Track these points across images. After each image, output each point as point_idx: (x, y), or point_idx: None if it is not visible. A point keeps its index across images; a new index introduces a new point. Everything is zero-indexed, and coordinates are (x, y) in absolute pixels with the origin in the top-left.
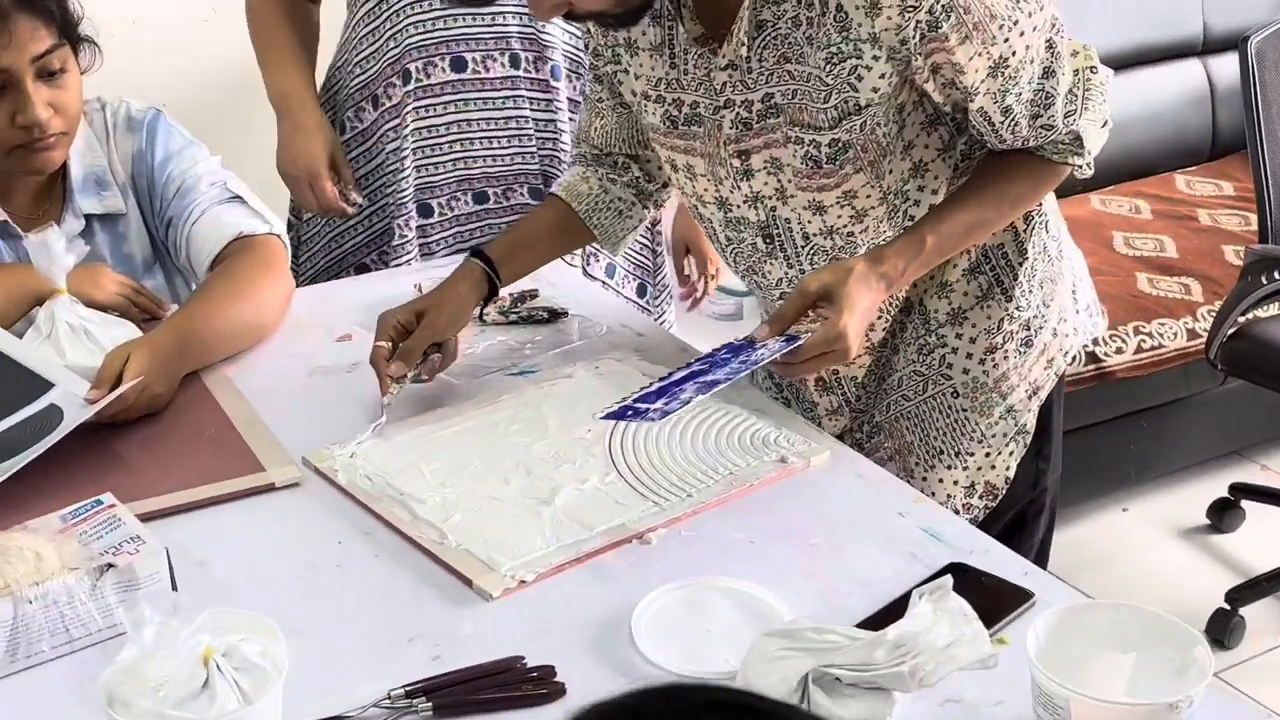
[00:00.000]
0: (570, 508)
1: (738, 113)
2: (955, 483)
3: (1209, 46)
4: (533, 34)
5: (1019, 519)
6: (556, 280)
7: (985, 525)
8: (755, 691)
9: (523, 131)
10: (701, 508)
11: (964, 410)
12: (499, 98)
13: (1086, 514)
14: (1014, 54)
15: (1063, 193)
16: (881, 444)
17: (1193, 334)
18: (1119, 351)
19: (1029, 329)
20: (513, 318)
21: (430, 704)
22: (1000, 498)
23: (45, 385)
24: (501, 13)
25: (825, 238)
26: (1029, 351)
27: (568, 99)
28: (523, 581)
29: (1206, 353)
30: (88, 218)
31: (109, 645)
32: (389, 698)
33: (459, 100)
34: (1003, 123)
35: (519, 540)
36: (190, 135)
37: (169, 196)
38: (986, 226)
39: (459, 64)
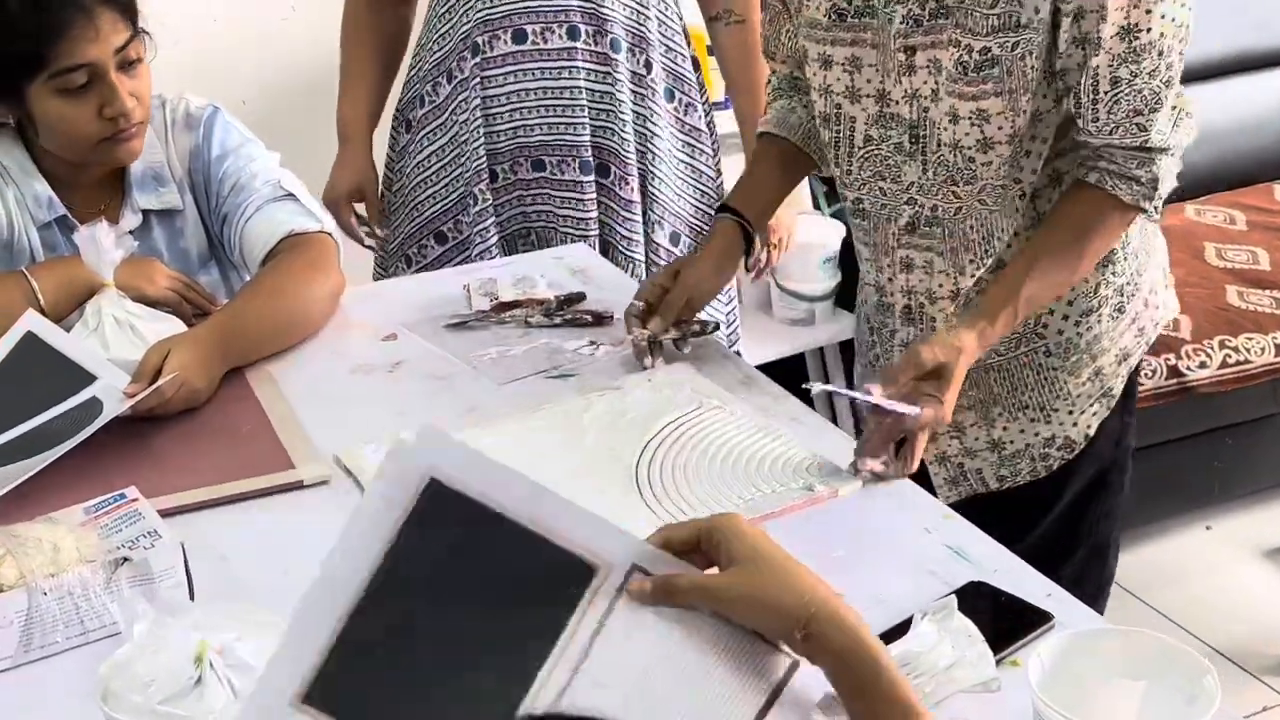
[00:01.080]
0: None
1: (910, 9)
2: (1037, 435)
3: None
4: (593, 8)
5: (1100, 477)
6: (604, 283)
7: (1065, 479)
8: None
9: (576, 102)
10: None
11: (1054, 369)
12: (555, 68)
13: (1167, 531)
14: (1149, 30)
15: None
16: (965, 390)
17: None
18: (1203, 366)
19: (1122, 295)
20: (557, 320)
21: None
22: (1076, 452)
23: (88, 378)
24: None
25: (952, 151)
26: (1121, 318)
27: (629, 71)
28: None
29: None
30: (145, 213)
31: (123, 638)
32: None
33: (519, 70)
34: (1108, 93)
35: None
36: (247, 132)
37: (224, 193)
38: (1067, 286)
39: (520, 36)
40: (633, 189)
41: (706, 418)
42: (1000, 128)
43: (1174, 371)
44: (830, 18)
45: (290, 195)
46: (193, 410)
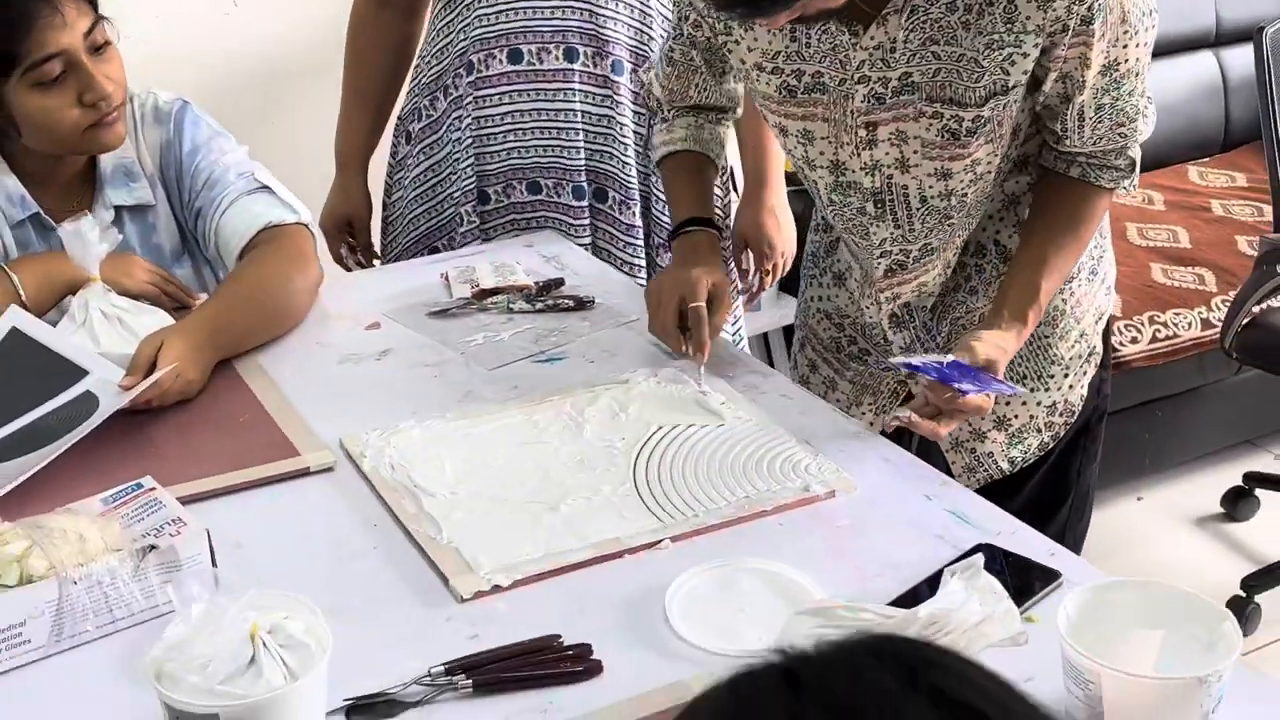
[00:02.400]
0: (572, 516)
1: (873, 89)
2: (1039, 404)
3: (1222, 38)
4: (593, 29)
5: (1084, 425)
6: (581, 269)
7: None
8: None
9: (571, 125)
10: (705, 528)
11: (1045, 337)
12: (551, 89)
13: (1101, 502)
14: (1126, 61)
15: None
16: None
17: (1207, 324)
18: (1134, 341)
19: (1093, 258)
20: (539, 306)
21: (470, 680)
22: (1078, 415)
23: (79, 373)
24: (563, 7)
25: (942, 199)
26: (1095, 279)
27: (632, 92)
28: (497, 586)
29: (1221, 342)
30: (117, 209)
31: (151, 625)
32: (429, 674)
33: (514, 91)
34: (1092, 117)
35: (508, 544)
36: (217, 125)
37: (197, 188)
38: (1070, 271)
39: (515, 56)
40: (634, 213)
41: (709, 428)
42: (990, 161)
43: (1106, 348)
44: (781, 93)
45: (265, 187)
46: (186, 402)
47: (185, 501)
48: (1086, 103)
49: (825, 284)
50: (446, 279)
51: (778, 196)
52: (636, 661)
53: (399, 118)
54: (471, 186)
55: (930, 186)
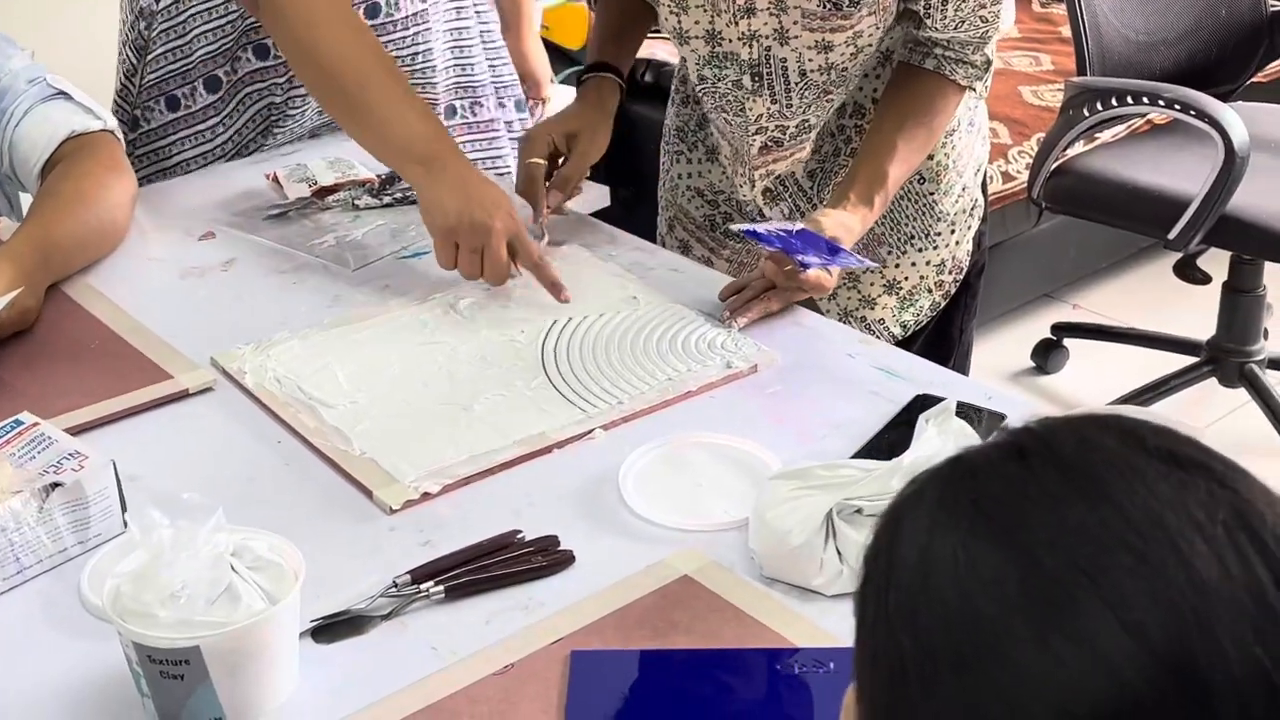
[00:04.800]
0: (489, 415)
1: None
2: (928, 263)
3: None
4: None
5: (965, 281)
6: None
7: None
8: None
9: (429, 64)
10: (632, 414)
11: (930, 194)
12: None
13: None
14: None
15: None
16: None
17: (1007, 176)
18: None
19: (969, 108)
20: (386, 200)
21: (440, 587)
22: (966, 270)
23: None
24: None
25: (822, 73)
26: (973, 130)
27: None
28: (426, 494)
29: (1030, 191)
30: None
31: (62, 571)
32: (395, 586)
33: None
34: None
35: (428, 449)
36: None
37: None
38: (919, 163)
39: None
40: (487, 108)
41: (607, 315)
42: (872, 34)
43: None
44: None
45: (62, 93)
46: (24, 333)
47: None
48: None
49: (696, 159)
50: (275, 179)
51: (533, 29)
52: (607, 548)
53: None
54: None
55: (810, 60)
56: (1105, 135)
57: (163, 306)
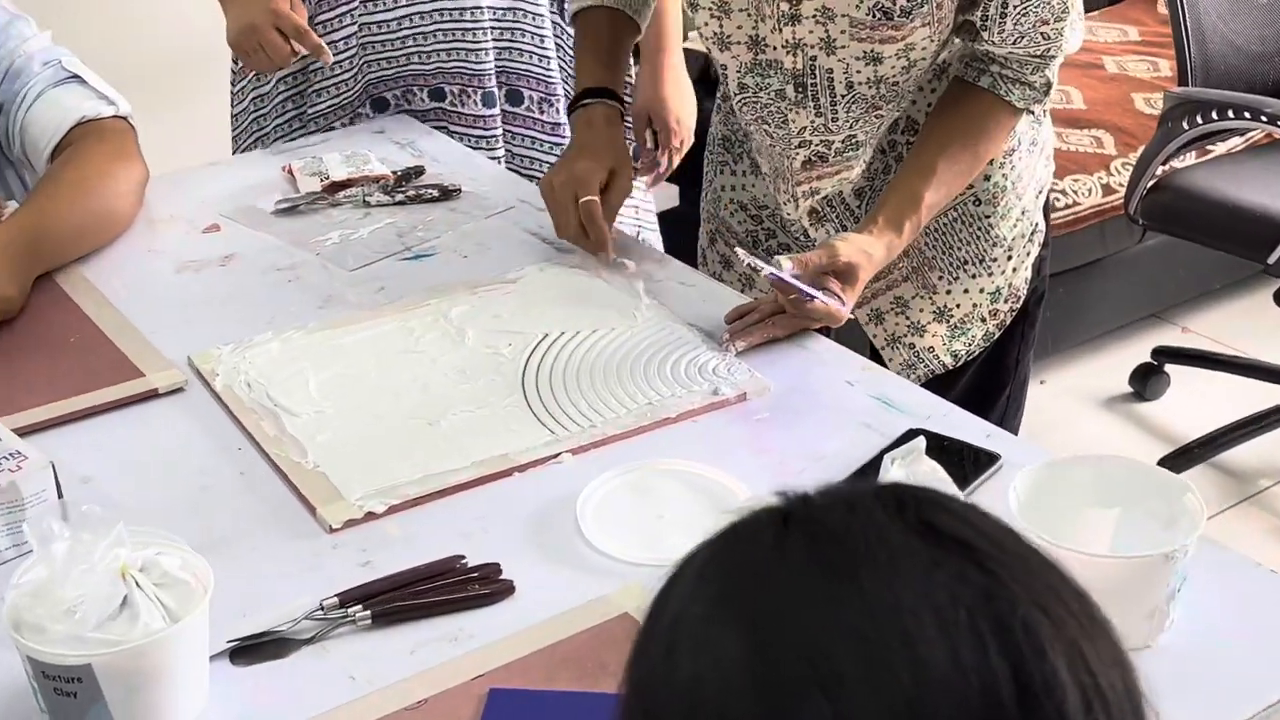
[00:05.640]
0: (454, 432)
1: None
2: (981, 290)
3: None
4: None
5: (1024, 310)
6: (442, 155)
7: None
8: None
9: (478, 25)
10: (603, 440)
11: (985, 217)
12: None
13: None
14: None
15: None
16: (895, 265)
17: (1108, 189)
18: None
19: (1032, 126)
20: (399, 198)
21: (368, 612)
22: (1024, 300)
23: None
24: None
25: (871, 87)
26: (1035, 149)
27: None
28: (370, 514)
29: (1125, 208)
30: None
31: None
32: (321, 608)
33: None
34: (1017, 7)
35: (382, 466)
36: (12, 6)
37: None
38: (962, 188)
39: None
40: (557, 110)
41: (601, 331)
42: (925, 48)
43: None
44: None
45: (76, 77)
46: (6, 323)
47: (18, 434)
48: None
49: (741, 171)
50: (290, 172)
51: (678, 61)
52: (550, 579)
53: None
54: (362, 95)
55: (858, 71)
56: (1220, 148)
57: (153, 301)
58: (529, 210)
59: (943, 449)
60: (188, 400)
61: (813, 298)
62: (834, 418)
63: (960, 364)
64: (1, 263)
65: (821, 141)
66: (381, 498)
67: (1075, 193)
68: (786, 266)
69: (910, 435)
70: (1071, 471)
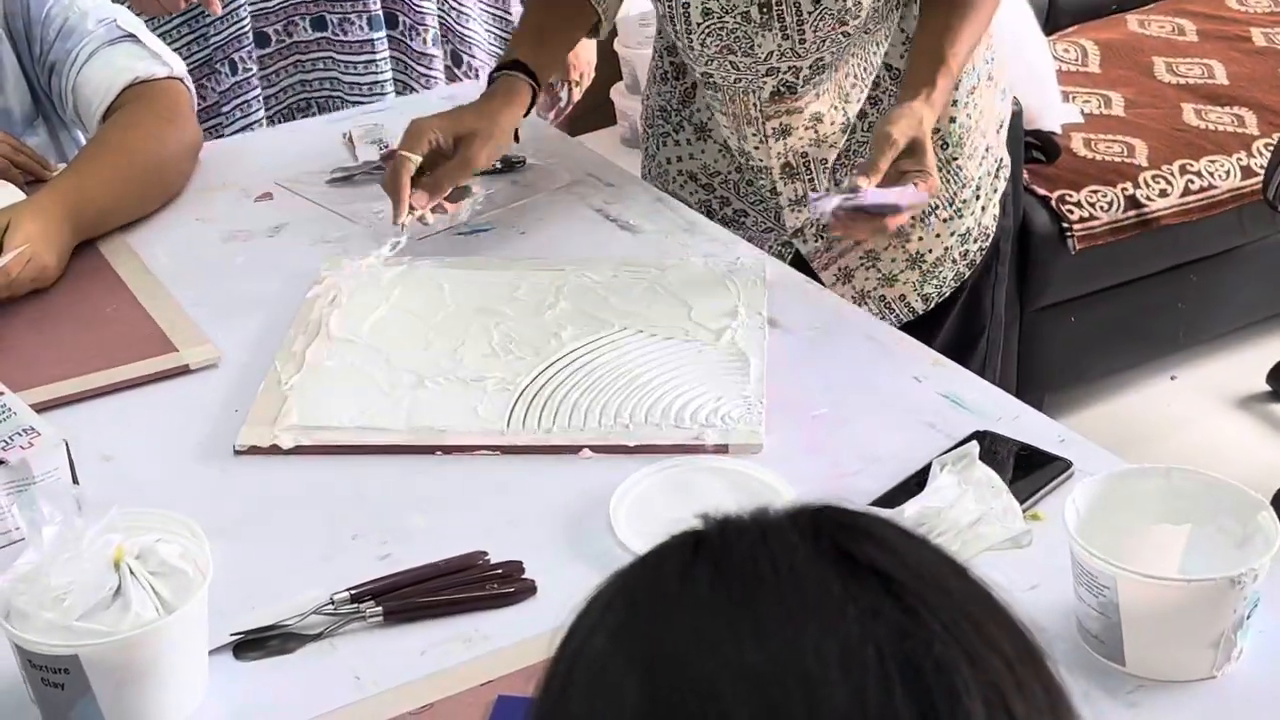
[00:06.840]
0: (430, 397)
1: None
2: (953, 233)
3: None
4: None
5: (994, 247)
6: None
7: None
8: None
9: None
10: (583, 442)
11: (954, 159)
12: None
13: (1129, 382)
14: None
15: (1095, 13)
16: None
17: (1248, 171)
18: (1163, 194)
19: (987, 62)
20: None
21: (380, 608)
22: (992, 236)
23: None
24: None
25: (837, 1)
26: (992, 84)
27: None
28: (275, 446)
29: (1264, 192)
30: None
31: (6, 553)
32: (332, 602)
33: None
34: None
35: (334, 405)
36: None
37: (50, 38)
38: (980, 37)
39: None
40: (425, 40)
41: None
42: None
43: (1132, 202)
44: None
45: (130, 36)
46: (41, 291)
47: (42, 408)
48: None
49: (684, 140)
50: (350, 139)
51: None
52: (575, 579)
53: None
54: (246, 29)
55: None
56: None
57: (197, 272)
58: (595, 185)
59: (1009, 453)
60: (218, 377)
61: (899, 209)
62: (896, 416)
63: (932, 306)
64: (39, 231)
65: (789, 68)
66: (296, 434)
67: (1212, 174)
68: (866, 186)
69: (974, 437)
70: (1137, 483)
